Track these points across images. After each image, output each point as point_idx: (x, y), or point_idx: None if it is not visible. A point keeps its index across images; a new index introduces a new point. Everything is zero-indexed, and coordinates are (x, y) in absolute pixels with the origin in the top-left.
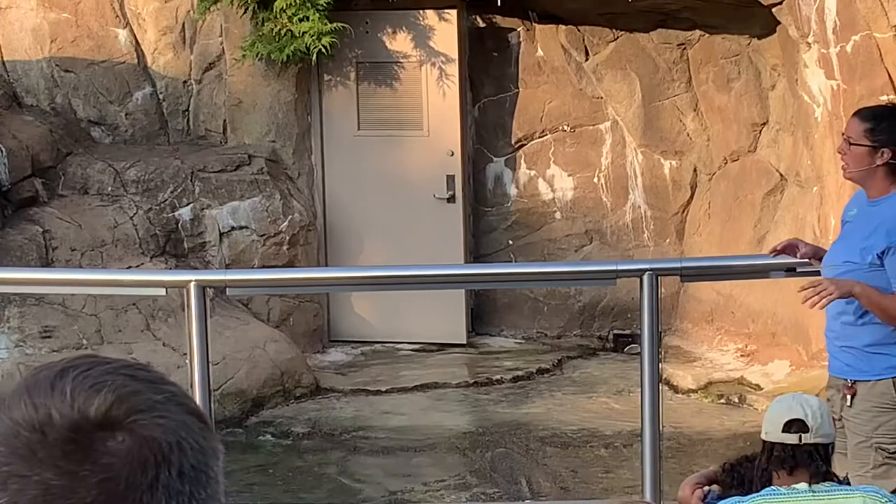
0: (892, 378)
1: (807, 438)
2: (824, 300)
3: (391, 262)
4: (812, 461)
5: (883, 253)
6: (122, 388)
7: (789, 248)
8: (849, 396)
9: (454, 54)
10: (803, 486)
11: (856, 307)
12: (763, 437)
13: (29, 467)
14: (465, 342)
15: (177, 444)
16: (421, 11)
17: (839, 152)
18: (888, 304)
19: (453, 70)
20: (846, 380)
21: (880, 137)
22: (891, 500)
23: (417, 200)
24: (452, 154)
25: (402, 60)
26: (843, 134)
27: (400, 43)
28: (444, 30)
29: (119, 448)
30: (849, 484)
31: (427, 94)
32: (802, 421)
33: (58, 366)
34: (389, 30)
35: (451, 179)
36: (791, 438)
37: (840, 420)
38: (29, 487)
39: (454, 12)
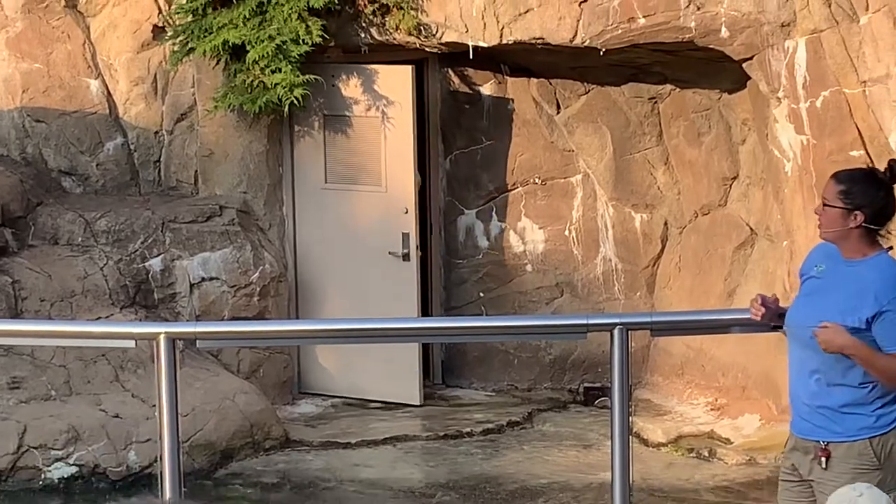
0: (869, 438)
1: None
2: (826, 346)
3: (355, 315)
4: None
5: (873, 318)
6: None
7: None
8: (823, 459)
9: (409, 111)
10: None
11: (833, 367)
12: None
13: None
14: (419, 403)
15: None
16: (379, 66)
17: (815, 213)
18: (886, 365)
19: (407, 127)
20: (818, 441)
21: (854, 200)
22: None
23: (375, 256)
24: (407, 211)
25: (362, 115)
26: (821, 195)
27: (360, 97)
28: (401, 86)
29: None
30: None
31: (385, 150)
32: None
33: None
34: (352, 83)
35: (405, 237)
36: None
37: (806, 483)
38: None
39: (409, 69)
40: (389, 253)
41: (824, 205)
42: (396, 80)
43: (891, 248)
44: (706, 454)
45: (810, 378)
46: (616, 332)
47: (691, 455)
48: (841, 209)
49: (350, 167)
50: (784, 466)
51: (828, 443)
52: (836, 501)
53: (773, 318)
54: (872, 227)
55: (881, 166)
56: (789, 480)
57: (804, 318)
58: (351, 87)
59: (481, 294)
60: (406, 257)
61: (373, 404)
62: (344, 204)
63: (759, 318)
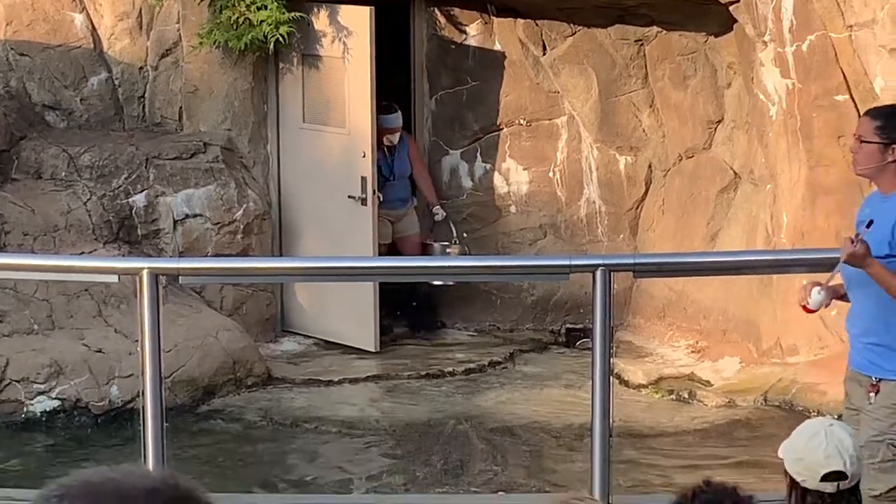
0: None
1: (844, 486)
2: (849, 255)
3: (347, 251)
4: None
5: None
6: None
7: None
8: (872, 394)
9: (366, 53)
10: None
11: (887, 307)
12: (799, 480)
13: None
14: (373, 349)
15: None
16: (342, 6)
17: (851, 151)
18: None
19: (365, 69)
20: (870, 377)
21: (890, 135)
22: None
23: (340, 200)
24: (364, 155)
25: (329, 55)
26: (854, 133)
27: (327, 36)
28: (360, 27)
29: None
30: None
31: (348, 91)
32: (842, 471)
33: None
34: (322, 21)
35: (363, 181)
36: (829, 488)
37: (856, 411)
38: None
39: (368, 10)
40: (348, 197)
41: (861, 141)
42: (357, 20)
43: None
44: (686, 396)
45: (864, 316)
46: (599, 273)
47: (671, 397)
48: (878, 144)
49: (321, 107)
50: (845, 393)
51: (879, 379)
52: (806, 428)
53: (831, 297)
54: None
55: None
56: (847, 407)
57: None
58: (321, 26)
59: (465, 234)
60: (364, 202)
61: (354, 345)
62: (316, 144)
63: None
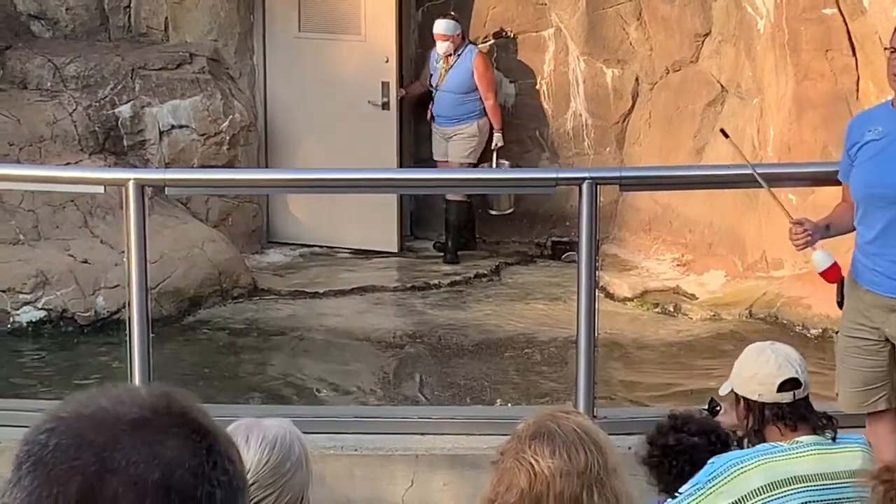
0: None
1: (799, 394)
2: (803, 243)
3: (329, 165)
4: (812, 414)
5: None
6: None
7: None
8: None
9: None
10: (808, 438)
11: None
12: (756, 398)
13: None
14: (396, 250)
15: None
16: None
17: (889, 63)
18: None
19: None
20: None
21: None
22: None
23: (353, 105)
24: (388, 60)
25: None
26: (885, 48)
27: None
28: None
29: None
30: None
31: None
32: (796, 379)
33: (43, 425)
34: None
35: (385, 86)
36: (787, 397)
37: (884, 343)
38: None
39: None
40: (368, 102)
41: (889, 49)
42: None
43: None
44: (671, 309)
45: (887, 233)
46: (585, 186)
47: (656, 310)
48: None
49: (326, 15)
50: (855, 326)
51: None
52: (751, 350)
53: (818, 234)
54: None
55: (854, 27)
56: (865, 339)
57: (874, 175)
58: None
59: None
60: (385, 106)
61: (342, 253)
62: (319, 53)
63: (801, 243)
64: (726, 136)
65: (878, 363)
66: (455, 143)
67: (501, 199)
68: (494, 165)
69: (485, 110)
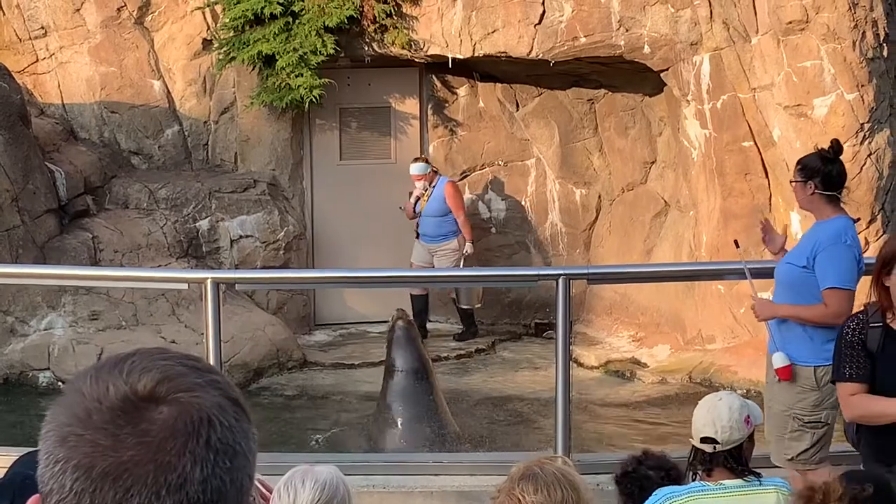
0: (815, 366)
1: (719, 448)
2: (760, 319)
3: (364, 265)
4: (727, 463)
5: (812, 259)
6: (169, 370)
7: (770, 236)
8: (775, 375)
9: (416, 98)
10: (731, 482)
11: (791, 298)
12: (690, 439)
13: (84, 428)
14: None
15: (207, 419)
16: (391, 69)
17: (795, 191)
18: (802, 313)
19: (415, 110)
20: (788, 360)
21: (805, 175)
22: (791, 494)
23: (386, 211)
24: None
25: (376, 105)
26: (790, 180)
27: (374, 93)
28: (409, 83)
29: (157, 418)
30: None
31: (394, 130)
32: (713, 438)
33: (124, 352)
34: (367, 83)
35: (410, 195)
36: (707, 448)
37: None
38: (82, 444)
39: (416, 70)
40: (399, 207)
41: (790, 181)
42: (406, 80)
43: (858, 219)
44: (628, 375)
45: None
46: (560, 281)
47: (617, 375)
48: (798, 182)
49: (362, 147)
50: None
51: (793, 363)
52: (702, 401)
53: (774, 242)
54: (825, 192)
55: (767, 156)
56: (767, 382)
57: (780, 261)
58: (365, 86)
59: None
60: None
61: (371, 333)
62: (356, 176)
63: (762, 318)
64: (738, 245)
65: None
66: (439, 257)
67: (472, 295)
68: (462, 264)
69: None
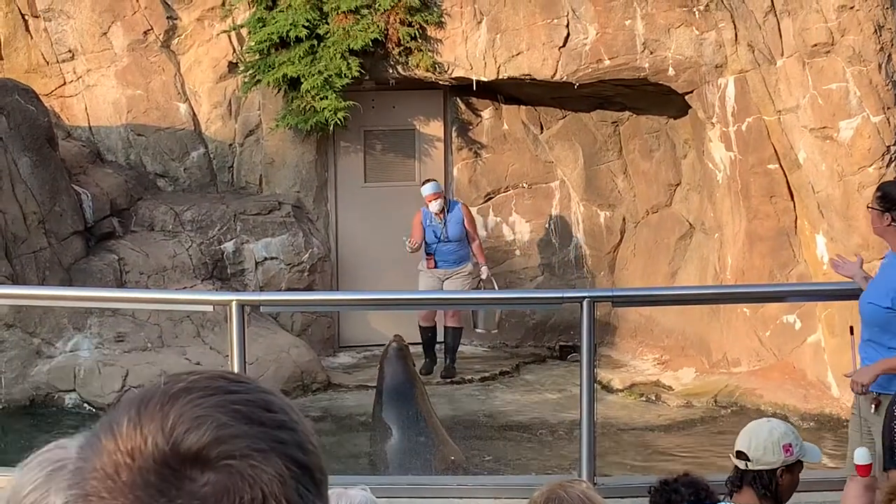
0: None
1: (750, 466)
2: (859, 389)
3: (388, 287)
4: (754, 485)
5: (895, 301)
6: (225, 427)
7: (845, 266)
8: (873, 405)
9: (440, 121)
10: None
11: (877, 335)
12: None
13: (108, 490)
14: None
15: (261, 497)
16: (416, 91)
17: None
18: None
19: (439, 133)
20: (873, 392)
21: (885, 204)
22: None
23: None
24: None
25: (400, 128)
26: (867, 206)
27: (399, 115)
28: (433, 106)
29: (199, 490)
30: None
31: (418, 153)
32: (744, 452)
33: (179, 384)
34: (391, 105)
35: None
36: (739, 464)
37: (867, 421)
38: None
39: (440, 93)
40: (403, 239)
41: (868, 207)
42: (430, 103)
43: None
44: (653, 398)
45: (866, 344)
46: (585, 303)
47: (642, 398)
48: (876, 210)
49: (387, 168)
50: (853, 405)
51: (879, 394)
52: (750, 423)
53: (854, 270)
54: None
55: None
56: (855, 416)
57: (864, 298)
58: (390, 108)
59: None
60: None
61: None
62: (382, 196)
63: (842, 271)
64: (852, 332)
65: (864, 436)
66: (453, 281)
67: (489, 318)
68: (485, 286)
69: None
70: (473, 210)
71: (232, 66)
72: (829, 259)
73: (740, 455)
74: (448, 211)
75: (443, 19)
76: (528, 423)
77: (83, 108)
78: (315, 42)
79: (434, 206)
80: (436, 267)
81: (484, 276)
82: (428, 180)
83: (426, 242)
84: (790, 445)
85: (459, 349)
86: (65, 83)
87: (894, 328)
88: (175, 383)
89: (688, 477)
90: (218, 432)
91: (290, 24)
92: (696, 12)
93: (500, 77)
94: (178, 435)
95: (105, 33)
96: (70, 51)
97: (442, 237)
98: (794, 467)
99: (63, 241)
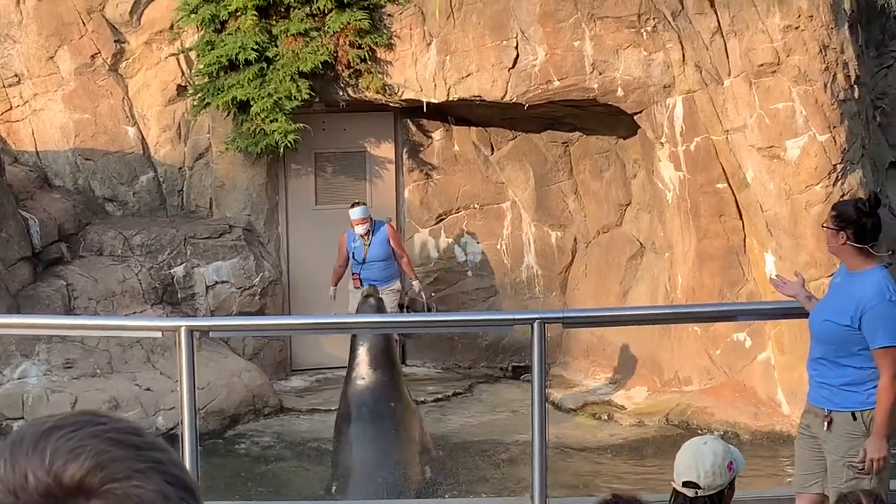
0: (861, 411)
1: (701, 493)
2: (879, 466)
3: (340, 309)
4: None
5: (858, 319)
6: (103, 454)
7: (786, 285)
8: (825, 423)
9: (391, 142)
10: None
11: (832, 353)
12: (672, 482)
13: None
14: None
15: None
16: (366, 114)
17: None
18: (886, 406)
19: (390, 155)
20: (823, 409)
21: (839, 223)
22: None
23: None
24: (390, 219)
25: (351, 150)
26: (822, 225)
27: (349, 137)
28: (384, 127)
29: None
30: None
31: (369, 174)
32: (695, 482)
33: (46, 423)
34: (342, 128)
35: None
36: (689, 492)
37: (815, 438)
38: None
39: (391, 115)
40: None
41: (822, 226)
42: (381, 124)
43: (891, 253)
44: (605, 418)
45: (817, 361)
46: (535, 325)
47: (594, 418)
48: (831, 230)
49: (337, 191)
50: (801, 424)
51: (830, 411)
52: (687, 443)
53: (796, 290)
54: (857, 244)
55: (741, 198)
56: (804, 435)
57: (817, 315)
58: (340, 131)
59: (433, 294)
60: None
61: None
62: (332, 220)
63: (784, 291)
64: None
65: (814, 454)
66: (382, 296)
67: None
68: (415, 300)
69: (400, 269)
70: (425, 231)
71: (181, 90)
72: (770, 279)
73: (688, 485)
74: (373, 232)
75: (392, 41)
76: (482, 444)
77: (30, 133)
78: (264, 65)
79: (360, 230)
80: (362, 286)
81: (416, 290)
82: (356, 203)
83: (353, 261)
84: (731, 462)
85: (412, 371)
86: (11, 108)
87: (849, 346)
88: (42, 424)
89: (623, 501)
90: (97, 459)
91: (240, 47)
92: (644, 33)
93: (451, 98)
94: (59, 467)
95: (52, 57)
96: (16, 75)
97: (367, 258)
98: (734, 481)
99: (10, 267)
